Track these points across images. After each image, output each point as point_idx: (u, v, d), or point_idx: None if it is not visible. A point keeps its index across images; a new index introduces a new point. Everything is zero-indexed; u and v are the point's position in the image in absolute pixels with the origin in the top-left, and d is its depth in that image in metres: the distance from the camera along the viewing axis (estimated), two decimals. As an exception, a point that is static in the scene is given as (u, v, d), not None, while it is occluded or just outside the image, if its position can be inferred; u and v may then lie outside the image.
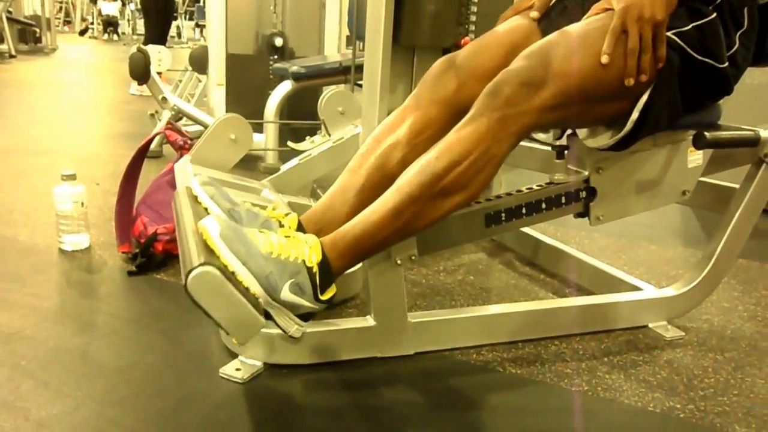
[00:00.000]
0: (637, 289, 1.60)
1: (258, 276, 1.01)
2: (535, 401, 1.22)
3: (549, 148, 1.56)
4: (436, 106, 1.27)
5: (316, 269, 1.05)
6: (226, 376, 1.23)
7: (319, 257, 1.06)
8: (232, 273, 1.00)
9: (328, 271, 1.06)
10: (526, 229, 1.99)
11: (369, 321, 1.32)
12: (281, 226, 1.15)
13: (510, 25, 1.34)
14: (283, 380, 1.24)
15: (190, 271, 0.98)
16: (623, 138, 1.22)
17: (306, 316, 1.06)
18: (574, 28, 1.15)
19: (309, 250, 1.05)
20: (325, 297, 1.07)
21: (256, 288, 1.01)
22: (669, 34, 1.15)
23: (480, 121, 1.09)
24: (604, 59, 1.10)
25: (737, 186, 1.48)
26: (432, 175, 1.08)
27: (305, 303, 1.04)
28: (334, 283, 1.09)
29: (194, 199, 1.26)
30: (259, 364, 1.26)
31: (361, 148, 1.29)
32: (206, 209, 1.19)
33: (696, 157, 1.43)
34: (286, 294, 1.02)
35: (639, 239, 2.23)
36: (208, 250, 1.02)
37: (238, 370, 1.24)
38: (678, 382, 1.31)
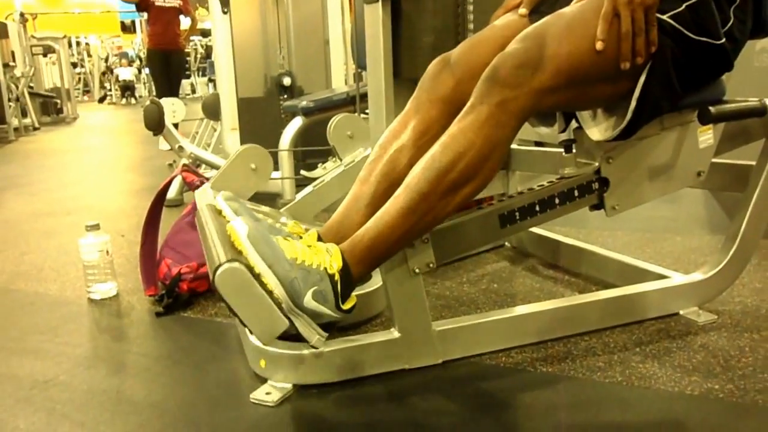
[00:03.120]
0: (664, 277, 1.57)
1: (282, 280, 1.01)
2: (569, 396, 1.20)
3: (561, 150, 1.56)
4: (436, 105, 1.28)
5: (337, 277, 1.05)
6: (257, 401, 1.23)
7: (340, 264, 1.06)
8: (258, 274, 1.01)
9: (349, 279, 1.07)
10: (546, 232, 1.98)
11: (394, 333, 1.31)
12: (302, 239, 1.16)
13: (503, 21, 1.35)
14: (314, 400, 1.24)
15: (217, 267, 0.99)
16: (626, 127, 1.22)
17: (327, 327, 1.07)
18: (568, 11, 1.16)
19: (330, 258, 1.06)
20: (346, 306, 1.07)
21: (280, 291, 1.01)
22: (663, 17, 1.15)
23: (480, 109, 1.09)
24: (599, 45, 1.10)
25: (754, 163, 1.47)
26: (439, 170, 1.08)
27: (327, 311, 1.04)
28: (353, 291, 1.09)
29: (218, 213, 1.26)
30: (288, 386, 1.26)
31: (369, 157, 1.30)
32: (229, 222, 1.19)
33: (707, 137, 1.41)
34: (309, 301, 1.03)
35: (663, 232, 2.20)
36: (236, 251, 1.03)
37: (268, 394, 1.24)
38: (715, 365, 1.28)
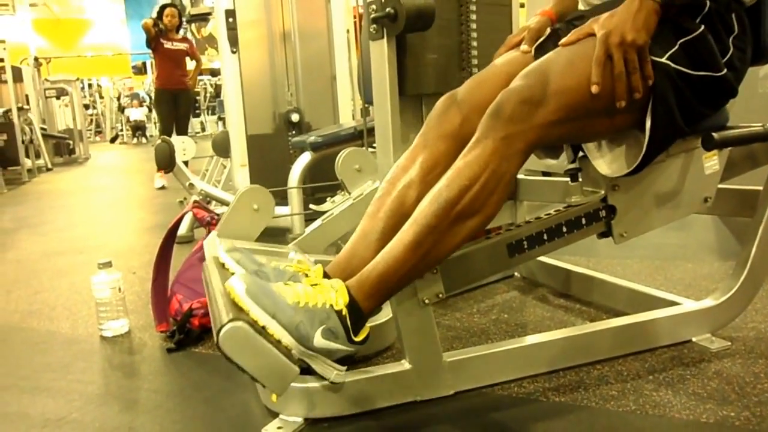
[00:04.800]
0: (675, 304, 1.56)
1: (288, 327, 1.03)
2: (582, 426, 1.19)
3: (567, 179, 1.57)
4: (444, 141, 1.30)
5: (345, 312, 1.06)
6: (268, 436, 1.22)
7: (347, 300, 1.07)
8: (263, 327, 1.02)
9: (357, 313, 1.08)
10: (556, 262, 1.98)
11: (404, 365, 1.31)
12: (307, 277, 1.17)
13: (507, 57, 1.38)
14: (326, 434, 1.23)
15: (220, 329, 1.01)
16: (635, 168, 1.24)
17: (344, 360, 1.07)
18: (569, 48, 1.18)
19: (336, 294, 1.07)
20: (359, 338, 1.07)
21: (287, 339, 1.02)
22: (660, 60, 1.16)
23: (485, 143, 1.11)
24: (594, 89, 1.12)
25: (761, 188, 1.47)
26: (445, 203, 1.09)
27: (340, 347, 1.05)
28: (366, 324, 1.10)
29: (222, 266, 1.29)
30: (300, 420, 1.26)
31: (378, 192, 1.31)
32: (233, 274, 1.22)
33: (712, 163, 1.42)
34: (319, 341, 1.04)
35: (673, 259, 2.19)
36: (237, 309, 1.05)
37: (280, 428, 1.24)
38: (730, 391, 1.26)
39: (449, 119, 1.32)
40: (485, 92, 1.30)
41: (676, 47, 1.17)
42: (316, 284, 1.10)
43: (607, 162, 1.34)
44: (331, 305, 1.06)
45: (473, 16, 1.87)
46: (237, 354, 1.01)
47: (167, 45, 5.52)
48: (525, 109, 1.10)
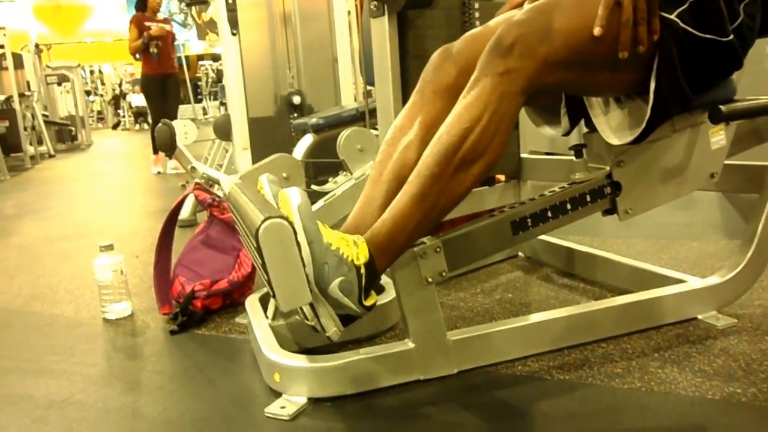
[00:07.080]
0: (680, 282, 1.55)
1: (316, 261, 1.01)
2: (587, 404, 1.18)
3: (572, 158, 1.55)
4: (441, 97, 1.27)
5: (363, 270, 1.05)
6: (271, 415, 1.22)
7: (367, 257, 1.06)
8: (298, 243, 1.00)
9: (373, 273, 1.06)
10: (560, 241, 1.96)
11: (408, 344, 1.30)
12: None
13: (506, 15, 1.35)
14: (329, 413, 1.22)
15: (267, 219, 0.97)
16: (639, 134, 1.23)
17: (345, 320, 1.06)
18: None
19: (357, 250, 1.06)
20: (368, 303, 1.06)
21: (310, 270, 1.00)
22: (666, 15, 1.14)
23: (485, 81, 1.08)
24: (597, 31, 1.08)
25: None
26: (447, 150, 1.07)
27: (349, 304, 1.04)
28: (375, 287, 1.09)
29: (258, 191, 1.25)
30: (303, 400, 1.25)
31: (378, 156, 1.29)
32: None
33: (719, 138, 1.40)
34: (333, 289, 1.02)
35: (679, 238, 2.17)
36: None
37: (283, 408, 1.23)
38: (736, 368, 1.25)
39: (445, 71, 1.29)
40: (481, 46, 1.22)
41: (686, 6, 1.15)
42: (342, 237, 1.08)
43: (612, 129, 1.32)
44: (353, 260, 1.04)
45: (476, 5, 1.85)
46: (271, 250, 0.97)
47: (154, 27, 5.44)
48: (527, 41, 1.07)
